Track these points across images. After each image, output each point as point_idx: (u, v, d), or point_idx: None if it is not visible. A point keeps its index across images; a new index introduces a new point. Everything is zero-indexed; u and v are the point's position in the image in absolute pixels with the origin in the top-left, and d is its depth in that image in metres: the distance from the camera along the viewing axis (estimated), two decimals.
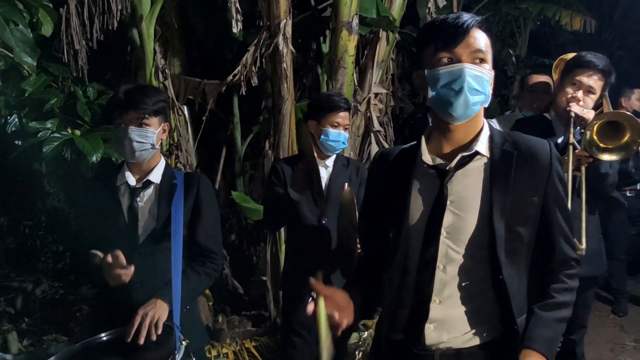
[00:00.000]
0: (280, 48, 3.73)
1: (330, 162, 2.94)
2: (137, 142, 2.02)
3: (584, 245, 2.33)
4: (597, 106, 2.74)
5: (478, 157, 1.55)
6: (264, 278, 4.32)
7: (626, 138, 2.44)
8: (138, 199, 2.07)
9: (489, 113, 5.24)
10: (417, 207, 1.57)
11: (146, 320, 1.75)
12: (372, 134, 4.67)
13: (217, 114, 4.81)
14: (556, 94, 2.75)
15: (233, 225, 5.24)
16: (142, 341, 1.73)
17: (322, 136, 2.87)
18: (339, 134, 2.85)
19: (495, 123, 3.57)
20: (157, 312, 1.80)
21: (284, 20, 3.74)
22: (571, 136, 2.49)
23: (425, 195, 1.56)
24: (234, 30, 3.83)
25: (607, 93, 2.75)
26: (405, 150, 1.68)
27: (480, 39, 1.48)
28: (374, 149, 4.66)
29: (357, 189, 2.87)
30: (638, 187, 4.62)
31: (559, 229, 1.59)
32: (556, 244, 1.59)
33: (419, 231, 1.55)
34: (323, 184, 2.88)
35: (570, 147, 2.46)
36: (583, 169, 2.51)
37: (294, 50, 3.85)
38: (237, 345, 3.82)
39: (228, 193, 4.90)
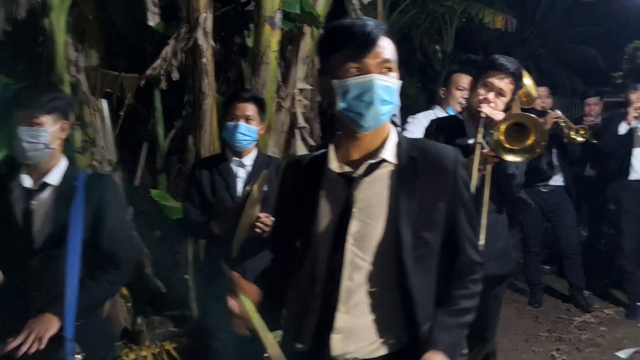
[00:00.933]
0: (200, 43, 3.64)
1: (249, 160, 2.88)
2: (28, 142, 1.92)
3: (482, 242, 2.38)
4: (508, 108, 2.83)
5: (385, 164, 1.56)
6: (187, 276, 4.23)
7: (531, 140, 2.52)
8: (34, 201, 1.96)
9: (415, 108, 5.31)
10: (325, 215, 1.57)
11: (30, 335, 1.66)
12: (297, 131, 4.65)
13: (139, 108, 4.66)
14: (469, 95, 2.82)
15: (155, 221, 5.09)
16: (20, 355, 1.64)
17: (223, 131, 2.82)
18: (235, 126, 2.76)
19: (420, 119, 3.64)
20: (43, 326, 1.71)
21: (204, 14, 3.65)
22: (479, 135, 2.55)
23: (333, 202, 1.57)
24: (150, 23, 3.70)
25: (517, 96, 2.84)
26: (316, 158, 1.67)
27: (387, 48, 1.49)
28: (299, 145, 4.64)
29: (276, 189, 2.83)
30: (551, 183, 4.81)
31: (465, 234, 1.62)
32: (462, 248, 1.63)
33: (326, 239, 1.55)
34: (240, 184, 2.84)
35: (478, 146, 2.52)
36: (489, 168, 2.58)
37: (214, 45, 3.76)
38: (157, 347, 3.71)
39: (151, 188, 4.76)
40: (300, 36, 4.64)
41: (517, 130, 2.54)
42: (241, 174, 2.85)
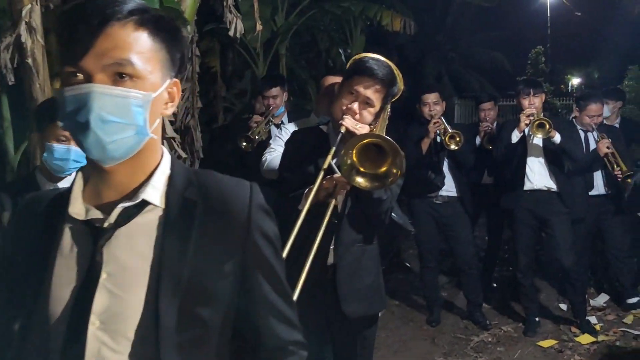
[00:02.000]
0: (23, 40, 3.03)
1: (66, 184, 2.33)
2: None
3: None
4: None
5: (149, 207, 1.09)
6: None
7: (385, 167, 2.10)
8: None
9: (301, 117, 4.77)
10: (61, 283, 1.07)
11: None
12: (164, 141, 4.10)
13: None
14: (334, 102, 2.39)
15: None
16: None
17: (44, 153, 2.27)
18: (67, 151, 2.25)
19: (290, 130, 3.19)
20: None
21: (29, 6, 3.04)
22: (329, 157, 2.12)
23: (74, 264, 1.07)
24: None
25: (389, 106, 2.44)
26: (61, 196, 1.15)
27: (127, 40, 1.02)
28: (166, 159, 4.09)
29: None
30: (443, 193, 4.51)
31: (268, 306, 1.17)
32: (264, 326, 1.18)
33: (61, 320, 1.05)
34: None
35: (322, 173, 2.08)
36: (340, 197, 2.16)
37: (43, 43, 3.15)
38: None
39: None
40: None
41: (375, 151, 2.12)
42: None
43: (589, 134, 4.64)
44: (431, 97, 4.45)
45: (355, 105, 2.23)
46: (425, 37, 20.51)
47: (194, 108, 5.17)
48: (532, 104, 4.19)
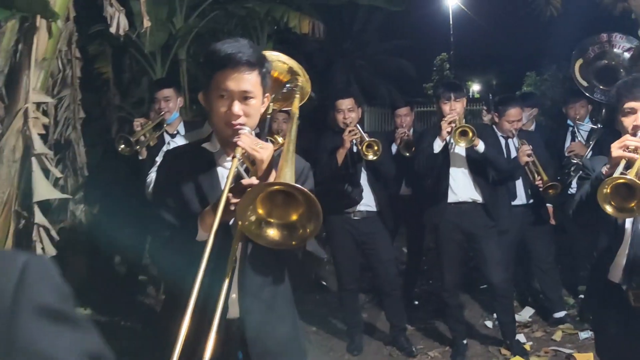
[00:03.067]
0: None
1: None
2: None
3: None
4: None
5: None
6: None
7: (296, 216, 1.60)
8: None
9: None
10: None
11: None
12: (33, 159, 3.41)
13: None
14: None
15: None
16: None
17: None
18: None
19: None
20: None
21: None
22: (223, 197, 1.60)
23: None
24: None
25: (296, 97, 1.96)
26: None
27: None
28: (38, 179, 3.41)
29: None
30: (361, 208, 4.11)
31: None
32: None
33: None
34: None
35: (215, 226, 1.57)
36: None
37: None
38: None
39: None
40: (32, 32, 3.42)
41: (282, 195, 1.62)
42: None
43: (510, 141, 4.42)
44: (345, 103, 4.04)
45: (236, 107, 1.74)
46: (333, 44, 20.48)
47: (76, 119, 4.49)
48: (454, 109, 3.87)
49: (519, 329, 4.33)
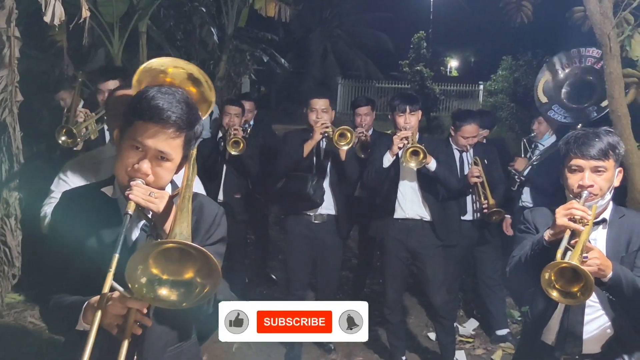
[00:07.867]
0: None
1: None
2: None
3: None
4: None
5: None
6: None
7: (190, 274, 1.48)
8: None
9: None
10: None
11: None
12: None
13: None
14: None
15: None
16: None
17: None
18: None
19: None
20: None
21: None
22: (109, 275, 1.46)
23: None
24: None
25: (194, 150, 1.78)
26: None
27: None
28: None
29: None
30: (322, 212, 4.02)
31: None
32: None
33: None
34: None
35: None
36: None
37: None
38: None
39: None
40: None
41: (179, 250, 1.48)
42: None
43: (464, 154, 4.32)
44: (320, 104, 3.89)
45: (145, 165, 1.59)
46: (312, 12, 20.02)
47: (13, 101, 4.21)
48: (408, 122, 3.72)
49: (460, 345, 4.31)
